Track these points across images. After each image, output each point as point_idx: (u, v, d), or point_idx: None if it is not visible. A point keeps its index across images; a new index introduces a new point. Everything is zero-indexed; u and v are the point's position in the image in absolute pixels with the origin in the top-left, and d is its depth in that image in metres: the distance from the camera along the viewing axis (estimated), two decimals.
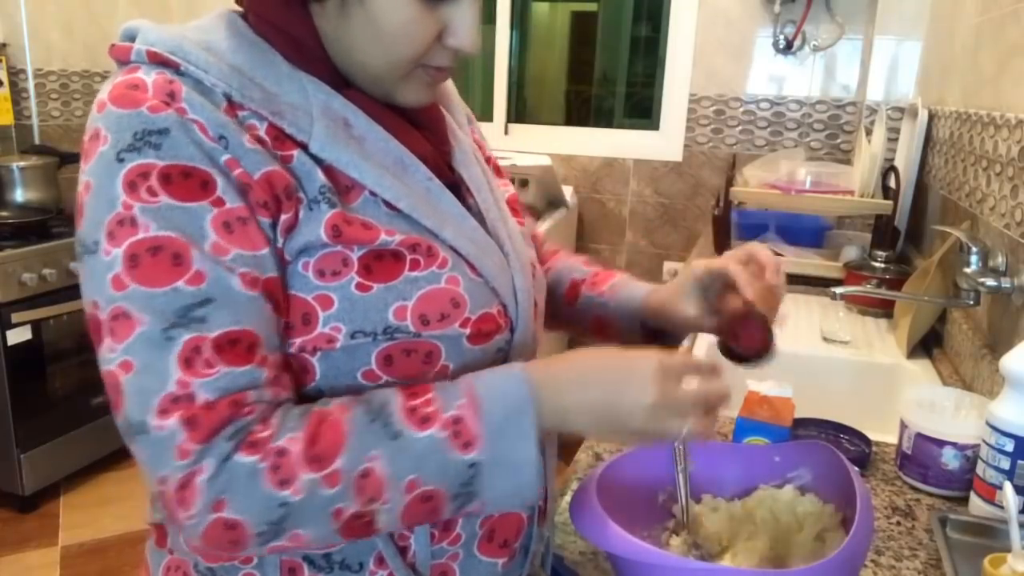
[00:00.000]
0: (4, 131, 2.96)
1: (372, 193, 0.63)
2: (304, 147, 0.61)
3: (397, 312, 0.61)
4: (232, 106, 0.60)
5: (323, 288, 0.60)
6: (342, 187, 0.62)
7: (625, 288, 0.89)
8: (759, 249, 0.78)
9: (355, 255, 0.61)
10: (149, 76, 0.58)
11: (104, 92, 0.59)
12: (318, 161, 0.61)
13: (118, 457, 2.88)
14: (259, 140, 0.60)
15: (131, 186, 0.55)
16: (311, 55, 0.64)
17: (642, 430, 0.61)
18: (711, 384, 0.62)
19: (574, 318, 0.92)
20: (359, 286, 0.60)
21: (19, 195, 2.80)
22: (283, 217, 0.59)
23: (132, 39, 0.61)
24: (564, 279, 0.92)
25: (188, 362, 0.55)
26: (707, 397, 0.62)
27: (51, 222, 2.70)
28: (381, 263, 0.61)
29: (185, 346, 0.55)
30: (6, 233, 2.54)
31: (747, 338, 0.76)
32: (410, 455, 0.57)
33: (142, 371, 0.55)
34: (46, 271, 2.50)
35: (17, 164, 2.80)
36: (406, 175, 0.66)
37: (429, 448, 0.57)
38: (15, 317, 2.42)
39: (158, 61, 0.59)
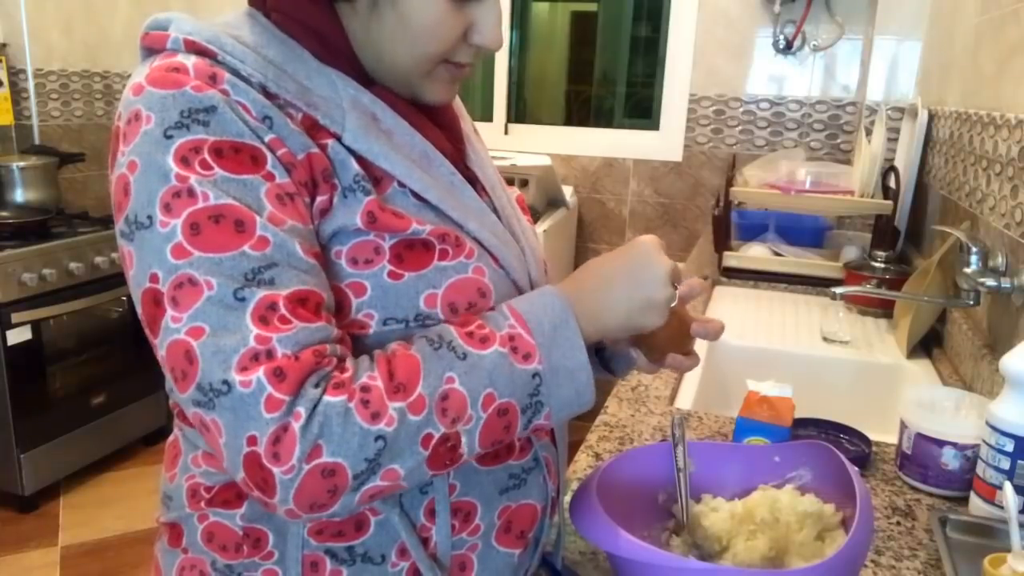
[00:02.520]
0: (4, 131, 2.96)
1: (400, 184, 0.65)
2: (338, 138, 0.63)
3: (427, 300, 0.63)
4: (268, 96, 0.61)
5: (356, 276, 0.62)
6: (373, 178, 0.64)
7: None
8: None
9: (387, 243, 0.62)
10: (189, 60, 0.59)
11: (139, 76, 0.59)
12: (351, 152, 0.63)
13: (118, 457, 2.89)
14: (298, 125, 0.61)
15: (183, 161, 0.56)
16: (338, 52, 0.66)
17: (669, 297, 0.67)
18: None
19: None
20: (391, 274, 0.62)
21: (19, 195, 2.80)
22: (319, 199, 0.61)
23: (162, 29, 0.62)
24: None
25: (264, 319, 0.54)
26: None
27: (51, 222, 2.70)
28: (412, 252, 0.63)
29: (259, 304, 0.55)
30: (6, 233, 2.54)
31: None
32: (481, 371, 0.59)
33: (217, 332, 0.54)
34: (46, 271, 2.50)
35: (17, 164, 2.80)
36: (432, 168, 0.68)
37: (495, 363, 0.60)
38: (15, 317, 2.42)
39: (195, 50, 0.60)
